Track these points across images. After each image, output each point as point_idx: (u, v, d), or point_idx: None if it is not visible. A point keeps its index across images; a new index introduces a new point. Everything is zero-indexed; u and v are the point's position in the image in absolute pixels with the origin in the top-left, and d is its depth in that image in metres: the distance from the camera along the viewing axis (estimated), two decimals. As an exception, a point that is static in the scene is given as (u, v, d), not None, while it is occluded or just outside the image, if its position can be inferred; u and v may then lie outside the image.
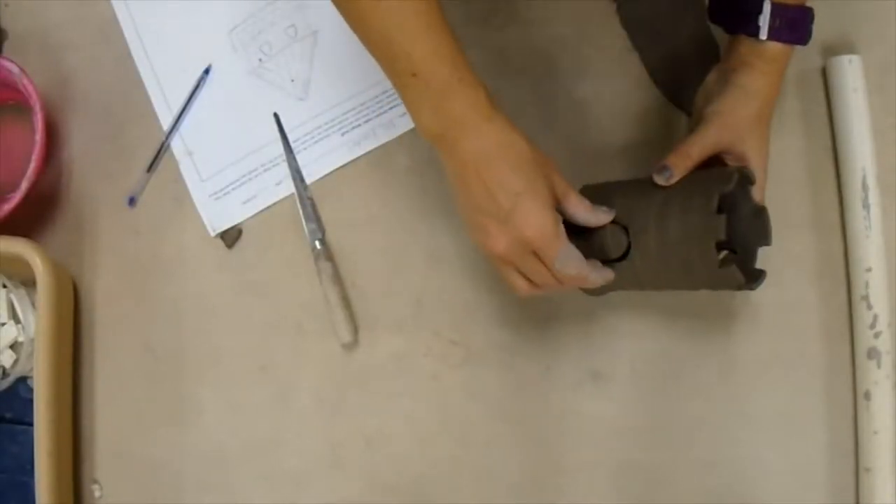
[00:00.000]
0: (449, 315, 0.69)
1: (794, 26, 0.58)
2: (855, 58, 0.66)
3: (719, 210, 0.53)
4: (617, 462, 0.66)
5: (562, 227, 0.52)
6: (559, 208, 0.53)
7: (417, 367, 0.69)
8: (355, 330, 0.69)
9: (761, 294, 0.67)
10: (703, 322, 0.67)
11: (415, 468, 0.68)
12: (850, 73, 0.66)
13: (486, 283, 0.69)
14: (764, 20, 0.57)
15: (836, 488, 0.65)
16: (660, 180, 0.56)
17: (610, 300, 0.68)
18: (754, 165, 0.58)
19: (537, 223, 0.51)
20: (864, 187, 0.65)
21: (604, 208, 0.56)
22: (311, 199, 0.71)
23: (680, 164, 0.56)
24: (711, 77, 0.61)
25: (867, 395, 0.63)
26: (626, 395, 0.67)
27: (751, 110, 0.58)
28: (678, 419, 0.66)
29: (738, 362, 0.67)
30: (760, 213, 0.60)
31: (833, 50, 0.69)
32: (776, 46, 0.58)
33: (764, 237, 0.60)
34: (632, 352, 0.67)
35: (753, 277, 0.58)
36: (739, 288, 0.56)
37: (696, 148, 0.57)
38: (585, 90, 0.70)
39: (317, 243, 0.70)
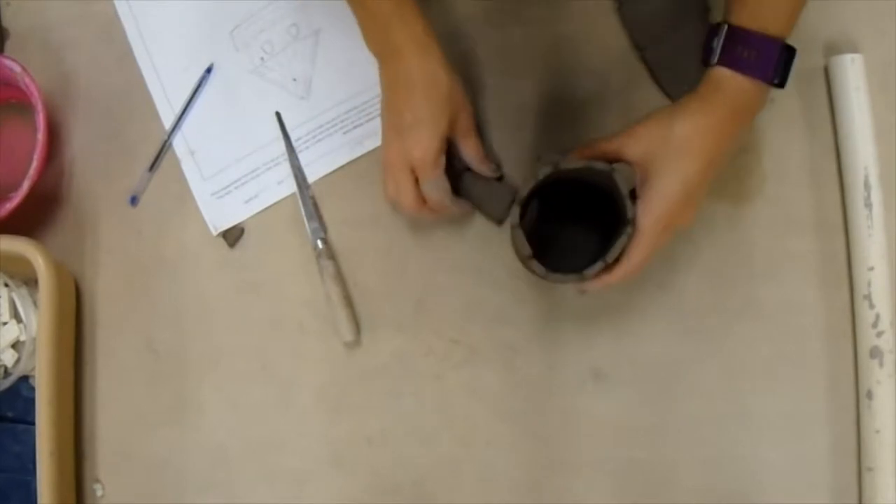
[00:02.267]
0: (450, 314, 0.69)
1: (759, 57, 0.53)
2: (857, 56, 0.66)
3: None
4: (618, 461, 0.66)
5: (443, 158, 0.60)
6: (457, 142, 0.62)
7: (419, 367, 0.69)
8: (357, 329, 0.69)
9: (763, 293, 0.67)
10: (705, 321, 0.67)
11: (416, 467, 0.68)
12: (852, 72, 0.66)
13: (487, 283, 0.69)
14: (718, 42, 0.54)
15: (838, 488, 0.65)
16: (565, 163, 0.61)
17: (611, 300, 0.68)
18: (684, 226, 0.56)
19: (424, 146, 0.58)
20: (867, 186, 0.65)
21: (493, 165, 0.65)
22: (313, 197, 0.71)
23: (585, 150, 0.60)
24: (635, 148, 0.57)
25: (869, 395, 0.63)
26: (628, 394, 0.67)
27: (666, 133, 0.54)
28: (680, 418, 0.66)
29: (739, 361, 0.67)
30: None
31: (835, 49, 0.69)
32: (725, 75, 0.53)
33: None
34: (633, 351, 0.67)
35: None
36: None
37: (602, 143, 0.59)
38: (585, 90, 0.70)
39: (319, 242, 0.70)
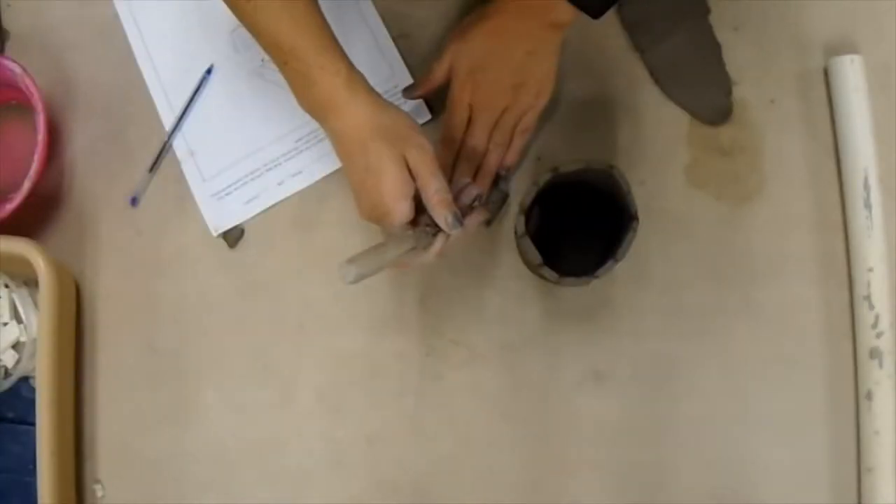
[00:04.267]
0: (451, 315, 0.69)
1: None
2: (856, 58, 0.66)
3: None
4: (618, 461, 0.66)
5: (407, 203, 0.56)
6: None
7: (419, 367, 0.69)
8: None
9: (763, 293, 0.67)
10: (705, 322, 0.67)
11: (416, 468, 0.68)
12: (852, 73, 0.66)
13: (488, 283, 0.69)
14: None
15: (837, 488, 0.65)
16: (406, 96, 0.69)
17: (611, 300, 0.68)
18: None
19: (382, 197, 0.56)
20: (866, 187, 0.65)
21: (454, 211, 0.58)
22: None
23: (424, 83, 0.68)
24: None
25: (869, 395, 0.63)
26: (628, 394, 0.67)
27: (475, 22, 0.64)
28: (680, 419, 0.66)
29: (739, 362, 0.67)
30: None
31: (835, 50, 0.69)
32: None
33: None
34: (633, 352, 0.67)
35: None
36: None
37: (438, 68, 0.66)
38: (586, 91, 0.70)
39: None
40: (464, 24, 0.66)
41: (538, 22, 0.62)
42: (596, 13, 0.57)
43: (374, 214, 0.57)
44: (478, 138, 0.67)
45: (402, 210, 0.56)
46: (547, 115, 0.68)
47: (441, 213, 0.57)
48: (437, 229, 0.58)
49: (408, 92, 0.69)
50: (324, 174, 0.72)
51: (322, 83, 0.56)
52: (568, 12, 0.59)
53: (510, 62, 0.64)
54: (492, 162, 0.67)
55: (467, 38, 0.65)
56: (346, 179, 0.59)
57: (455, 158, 0.68)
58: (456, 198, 0.59)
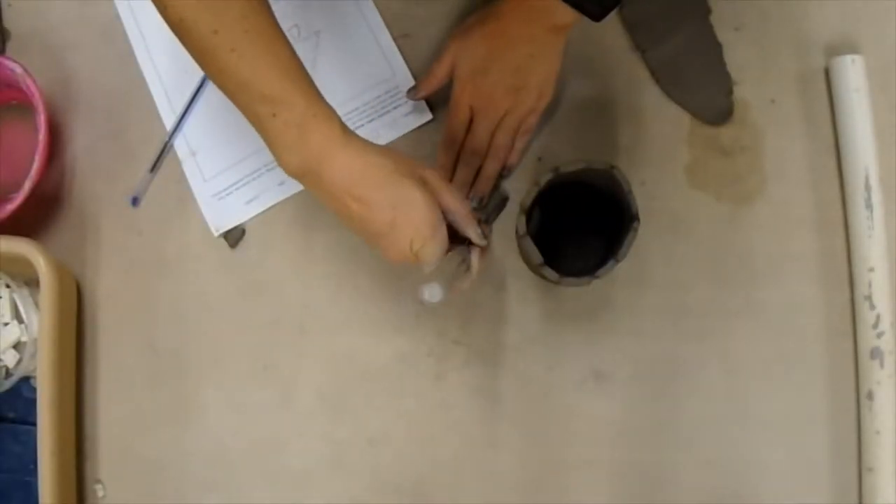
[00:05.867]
0: (452, 315, 0.69)
1: None
2: (857, 58, 0.66)
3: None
4: (619, 461, 0.66)
5: (443, 226, 0.54)
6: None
7: (420, 367, 0.69)
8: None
9: (763, 293, 0.67)
10: (705, 321, 0.67)
11: (417, 468, 0.68)
12: (853, 73, 0.66)
13: (488, 283, 0.69)
14: None
15: (838, 488, 0.65)
16: (409, 97, 0.69)
17: (612, 300, 0.68)
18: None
19: (419, 228, 0.53)
20: (867, 187, 0.65)
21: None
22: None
23: (426, 84, 0.68)
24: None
25: (870, 395, 0.63)
26: (629, 394, 0.67)
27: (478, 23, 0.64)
28: (680, 419, 0.66)
29: (740, 362, 0.67)
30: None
31: (835, 50, 0.69)
32: None
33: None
34: (634, 351, 0.67)
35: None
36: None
37: (439, 68, 0.66)
38: (586, 91, 0.70)
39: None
40: (465, 25, 0.66)
41: (540, 25, 0.62)
42: (597, 16, 0.55)
43: (413, 250, 0.54)
44: (479, 140, 0.67)
45: (443, 234, 0.54)
46: (548, 115, 0.68)
47: (471, 227, 0.56)
48: (464, 246, 0.57)
49: (410, 93, 0.69)
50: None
51: (319, 131, 0.52)
52: (569, 15, 0.58)
53: (511, 65, 0.64)
54: (493, 164, 0.67)
55: (469, 40, 0.65)
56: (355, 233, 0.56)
57: (455, 161, 0.68)
58: None
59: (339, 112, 0.71)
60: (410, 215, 0.53)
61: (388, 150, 0.55)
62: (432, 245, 0.54)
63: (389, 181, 0.53)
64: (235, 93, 0.53)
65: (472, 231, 0.56)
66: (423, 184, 0.54)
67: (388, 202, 0.52)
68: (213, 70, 0.53)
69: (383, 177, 0.53)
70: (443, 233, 0.54)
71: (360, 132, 0.70)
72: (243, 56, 0.51)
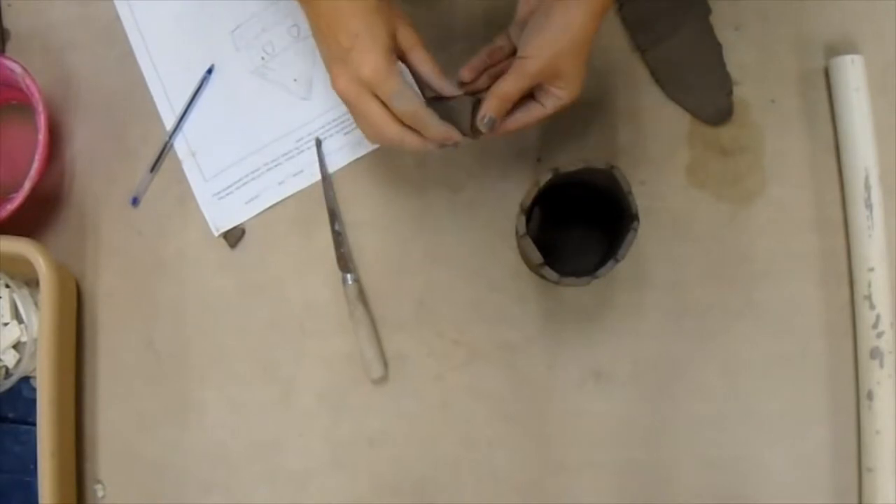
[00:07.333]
0: (451, 315, 0.69)
1: None
2: (857, 57, 0.66)
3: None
4: (619, 461, 0.67)
5: (397, 67, 0.56)
6: (406, 61, 0.58)
7: (420, 368, 0.69)
8: (385, 366, 0.68)
9: (763, 293, 0.67)
10: (705, 321, 0.67)
11: (417, 468, 0.68)
12: (853, 73, 0.66)
13: (488, 283, 0.69)
14: None
15: (838, 488, 0.65)
16: (484, 129, 0.58)
17: (612, 300, 0.68)
18: (567, 94, 0.58)
19: (371, 60, 0.54)
20: (867, 187, 0.65)
21: (452, 81, 0.59)
22: (339, 233, 0.70)
23: (502, 109, 0.58)
24: (525, 9, 0.60)
25: (870, 395, 0.63)
26: (629, 394, 0.67)
27: (568, 44, 0.57)
28: (680, 419, 0.66)
29: (739, 362, 0.67)
30: None
31: (835, 50, 0.69)
32: None
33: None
34: (634, 351, 0.67)
35: None
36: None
37: (515, 89, 0.57)
38: (586, 91, 0.70)
39: (348, 277, 0.69)
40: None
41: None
42: None
43: (356, 85, 0.55)
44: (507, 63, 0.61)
45: (397, 89, 0.55)
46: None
47: (435, 80, 0.58)
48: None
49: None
50: (324, 174, 0.72)
51: None
52: None
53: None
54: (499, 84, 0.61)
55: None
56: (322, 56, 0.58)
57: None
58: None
59: (337, 112, 0.72)
60: (366, 48, 0.54)
61: None
62: (385, 87, 0.55)
63: (365, 14, 0.54)
64: None
65: (435, 83, 0.58)
66: (394, 33, 0.56)
67: (353, 30, 0.54)
68: None
69: (362, 8, 0.54)
70: (398, 75, 0.55)
71: (358, 132, 0.70)
72: None
